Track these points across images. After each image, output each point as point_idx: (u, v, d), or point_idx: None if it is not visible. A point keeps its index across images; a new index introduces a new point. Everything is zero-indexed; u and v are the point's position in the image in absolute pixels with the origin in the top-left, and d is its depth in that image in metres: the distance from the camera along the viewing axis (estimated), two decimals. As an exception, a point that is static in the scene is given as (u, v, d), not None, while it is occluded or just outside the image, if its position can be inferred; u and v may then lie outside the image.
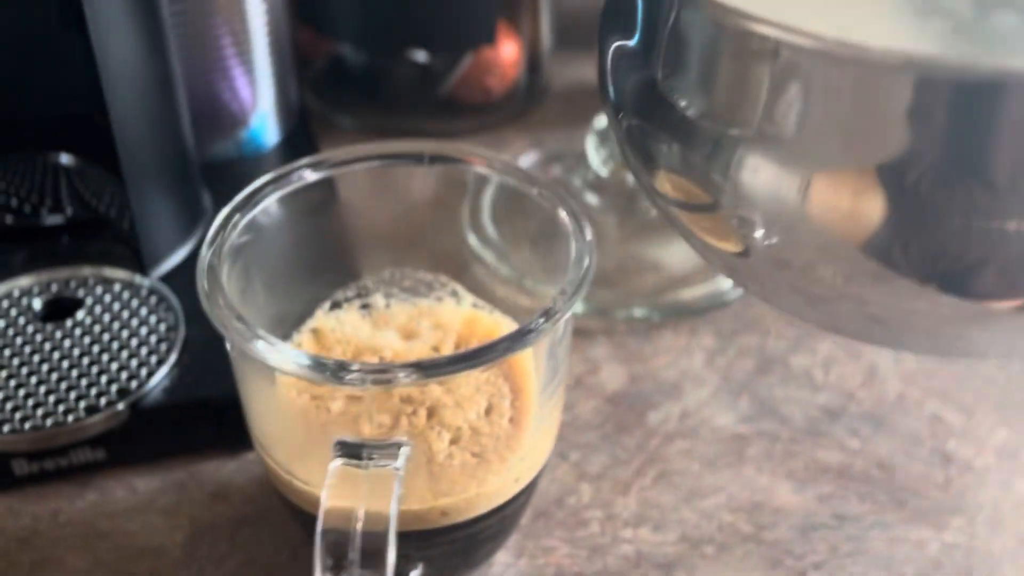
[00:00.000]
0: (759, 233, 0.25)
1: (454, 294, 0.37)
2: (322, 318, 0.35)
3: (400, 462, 0.26)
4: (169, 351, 0.40)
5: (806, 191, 0.23)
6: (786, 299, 0.28)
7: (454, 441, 0.30)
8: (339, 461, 0.27)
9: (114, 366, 0.39)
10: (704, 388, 0.43)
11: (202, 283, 0.29)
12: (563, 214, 0.31)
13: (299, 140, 0.55)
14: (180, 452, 0.39)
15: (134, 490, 0.38)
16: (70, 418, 0.37)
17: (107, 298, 0.42)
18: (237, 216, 0.31)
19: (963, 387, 0.44)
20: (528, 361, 0.33)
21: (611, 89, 0.29)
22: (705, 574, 0.36)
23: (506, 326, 0.35)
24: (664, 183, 0.27)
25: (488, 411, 0.32)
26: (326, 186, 0.33)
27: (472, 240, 0.46)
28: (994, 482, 0.40)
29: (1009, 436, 0.42)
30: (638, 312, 0.46)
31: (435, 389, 0.31)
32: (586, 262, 0.29)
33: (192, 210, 0.46)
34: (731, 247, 0.26)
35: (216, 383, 0.39)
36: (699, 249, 0.29)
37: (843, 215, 0.22)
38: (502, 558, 0.36)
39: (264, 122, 0.53)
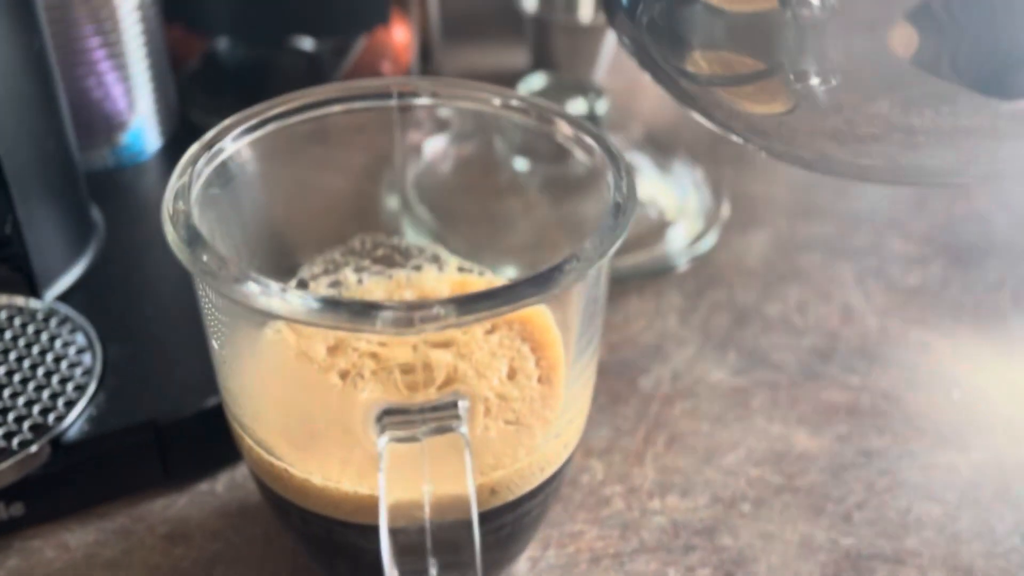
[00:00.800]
0: (816, 81, 0.23)
1: (435, 259, 0.32)
2: None
3: (463, 423, 0.22)
4: (87, 375, 0.33)
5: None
6: (817, 148, 0.26)
7: (483, 412, 0.26)
8: (387, 437, 0.21)
9: (21, 401, 0.32)
10: (687, 347, 0.40)
11: (173, 226, 0.23)
12: (596, 148, 0.27)
13: (183, 145, 0.48)
14: (116, 494, 0.33)
15: (66, 547, 0.31)
16: (-23, 467, 0.30)
17: (1, 328, 0.34)
18: (202, 160, 0.26)
19: (937, 313, 0.43)
20: (546, 315, 0.29)
21: None
22: (750, 533, 0.33)
23: (473, 281, 0.31)
24: (700, 62, 0.24)
25: (511, 375, 0.27)
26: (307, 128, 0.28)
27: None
28: (998, 396, 0.38)
29: (994, 351, 0.41)
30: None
31: (444, 356, 0.27)
32: (627, 189, 0.25)
33: (82, 225, 0.39)
34: (778, 107, 0.24)
35: (152, 404, 0.33)
36: (727, 122, 0.27)
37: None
38: (529, 553, 0.31)
39: (143, 127, 0.46)
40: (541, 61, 0.59)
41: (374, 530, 0.21)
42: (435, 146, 0.44)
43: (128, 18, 0.44)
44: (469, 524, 0.21)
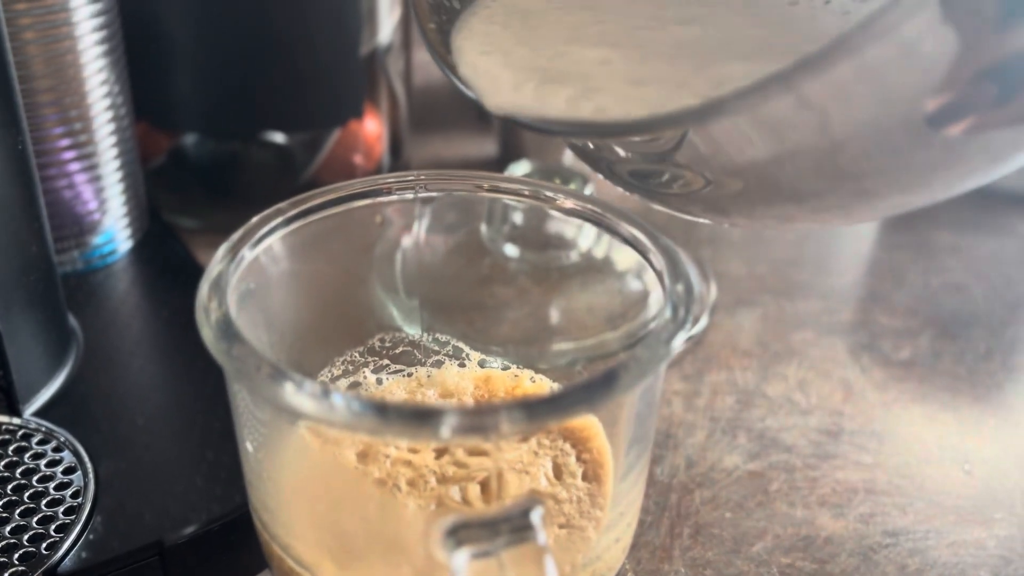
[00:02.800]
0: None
1: (455, 354, 0.31)
2: None
3: (541, 533, 0.20)
4: (78, 496, 0.31)
5: None
6: (776, 215, 0.25)
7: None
8: (466, 553, 0.20)
9: (8, 529, 0.29)
10: (697, 432, 0.39)
11: (209, 322, 0.21)
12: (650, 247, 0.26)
13: (154, 245, 0.46)
14: (116, 626, 0.30)
15: None
16: (-34, 606, 0.27)
17: (-26, 448, 0.32)
18: (239, 254, 0.24)
19: (935, 386, 0.43)
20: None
21: None
22: (792, 625, 0.31)
23: (529, 381, 0.30)
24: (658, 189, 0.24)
25: (557, 474, 0.26)
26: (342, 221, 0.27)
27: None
28: (1010, 467, 0.38)
29: (997, 421, 0.41)
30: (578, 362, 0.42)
31: (484, 462, 0.25)
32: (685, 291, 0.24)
33: (61, 334, 0.37)
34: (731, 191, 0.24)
35: (153, 523, 0.30)
36: (687, 210, 0.26)
37: None
38: (568, 662, 0.30)
39: (114, 228, 0.44)
40: (510, 150, 0.59)
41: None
42: (423, 235, 0.43)
43: (99, 118, 0.42)
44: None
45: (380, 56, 0.52)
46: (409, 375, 0.30)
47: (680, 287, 0.23)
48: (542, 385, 0.30)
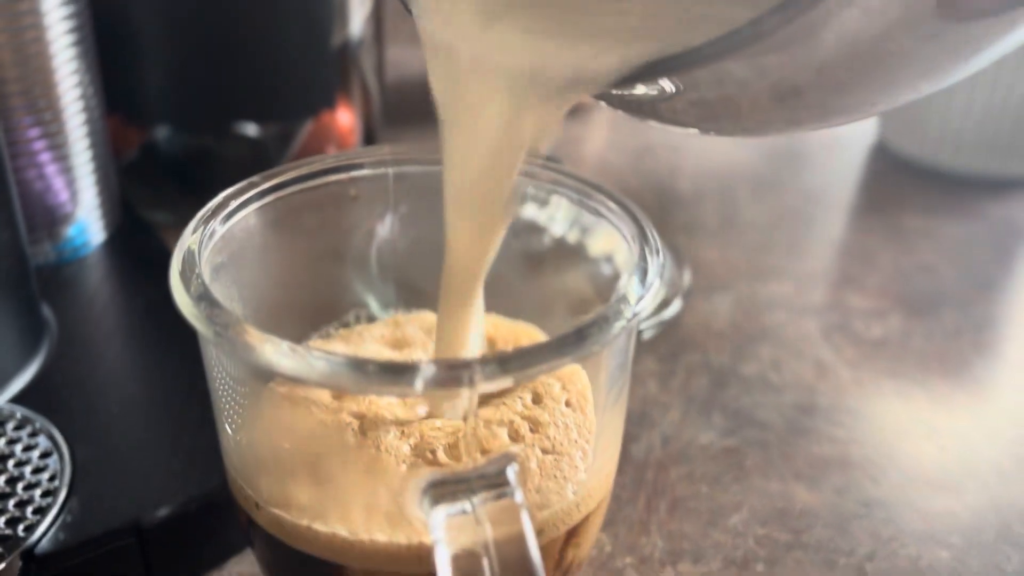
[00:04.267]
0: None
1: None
2: None
3: (517, 491, 0.20)
4: (54, 480, 0.30)
5: None
6: (759, 119, 0.24)
7: (513, 438, 0.24)
8: (442, 511, 0.20)
9: (-16, 513, 0.29)
10: (672, 411, 0.40)
11: (186, 288, 0.21)
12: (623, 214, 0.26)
13: (127, 238, 0.46)
14: (94, 608, 0.30)
15: (41, 672, 0.28)
16: (-59, 588, 0.27)
17: (-52, 434, 0.32)
18: (209, 226, 0.24)
19: (906, 363, 0.43)
20: None
21: None
22: (769, 594, 0.32)
23: (501, 322, 0.30)
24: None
25: (537, 400, 0.26)
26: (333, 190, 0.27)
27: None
28: (979, 440, 0.39)
29: (967, 397, 0.41)
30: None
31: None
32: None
33: (34, 322, 0.37)
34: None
35: (131, 505, 0.30)
36: (678, 120, 0.25)
37: None
38: (547, 633, 0.30)
39: (87, 220, 0.44)
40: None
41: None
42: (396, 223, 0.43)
43: (69, 108, 0.42)
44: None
45: (352, 49, 0.52)
46: (389, 316, 0.30)
47: (647, 249, 0.24)
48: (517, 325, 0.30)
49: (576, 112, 0.67)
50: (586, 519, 0.24)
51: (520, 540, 0.20)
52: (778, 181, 0.60)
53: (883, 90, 0.21)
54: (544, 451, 0.24)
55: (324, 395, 0.24)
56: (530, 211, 0.42)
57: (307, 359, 0.19)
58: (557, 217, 0.37)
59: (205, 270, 0.23)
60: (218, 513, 0.31)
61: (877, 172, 0.62)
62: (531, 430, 0.24)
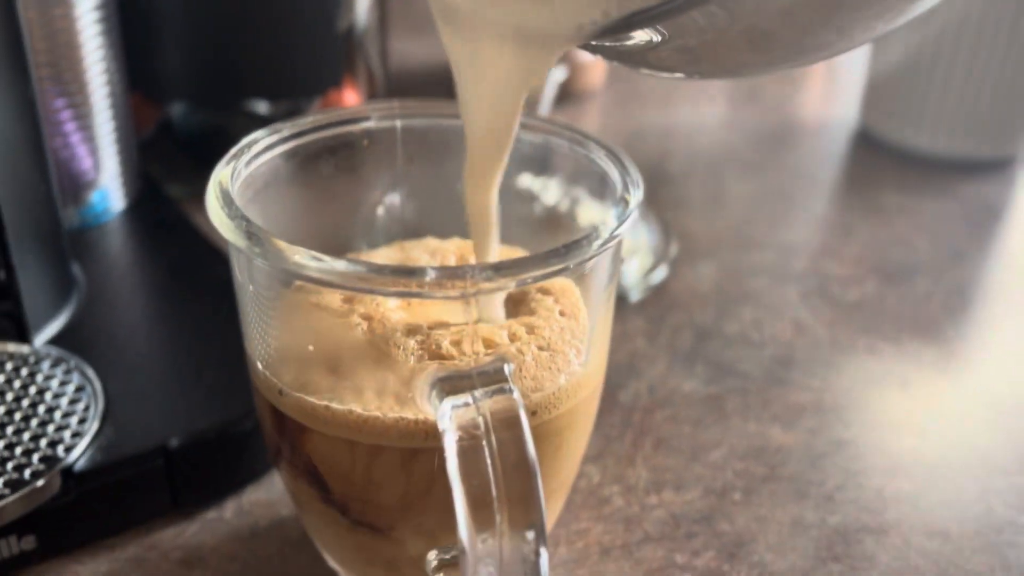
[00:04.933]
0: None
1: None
2: None
3: (513, 385, 0.23)
4: (89, 410, 0.33)
5: None
6: (736, 60, 0.26)
7: (512, 339, 0.27)
8: (448, 403, 0.23)
9: (27, 437, 0.32)
10: (658, 363, 0.43)
11: (222, 205, 0.24)
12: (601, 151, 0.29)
13: (146, 206, 0.49)
14: (126, 524, 0.33)
15: (78, 579, 0.31)
16: (-10, 498, 0.30)
17: (-11, 371, 0.34)
18: (241, 160, 0.27)
19: (879, 323, 0.46)
20: None
21: None
22: (745, 518, 0.34)
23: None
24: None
25: (531, 312, 0.28)
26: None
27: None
28: (944, 389, 0.42)
29: (935, 353, 0.44)
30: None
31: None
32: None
33: (65, 274, 0.39)
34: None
35: (158, 431, 0.33)
36: (664, 66, 0.28)
37: None
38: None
39: (108, 188, 0.47)
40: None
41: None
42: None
43: (94, 81, 0.45)
44: (531, 474, 0.22)
45: (357, 33, 0.55)
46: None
47: (628, 182, 0.27)
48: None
49: (571, 98, 0.70)
50: (578, 405, 0.27)
51: (516, 426, 0.22)
52: (764, 163, 0.63)
53: (843, 30, 0.24)
54: (540, 348, 0.26)
55: (335, 300, 0.26)
56: (526, 180, 0.45)
57: (330, 262, 0.22)
58: (550, 187, 0.40)
59: (237, 197, 0.26)
60: (237, 440, 0.34)
61: (858, 155, 0.65)
62: (527, 332, 0.27)
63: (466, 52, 0.26)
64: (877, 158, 0.64)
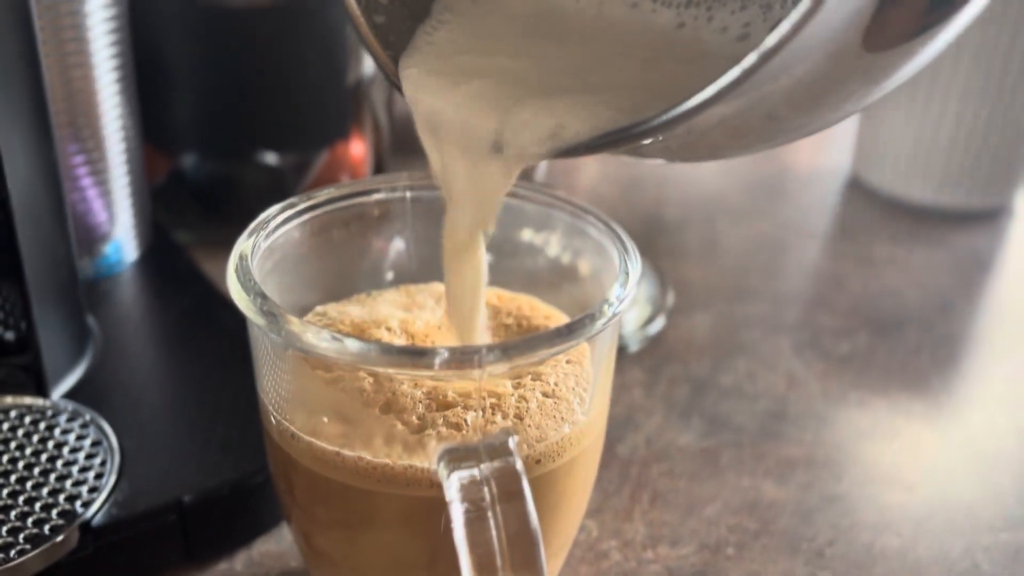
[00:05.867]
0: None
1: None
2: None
3: (517, 458, 0.24)
4: (105, 464, 0.34)
5: None
6: (710, 145, 0.27)
7: (518, 385, 0.28)
8: (455, 476, 0.24)
9: (46, 491, 0.33)
10: (655, 416, 0.44)
11: (242, 283, 0.26)
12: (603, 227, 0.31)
13: (158, 256, 0.51)
14: (140, 578, 0.34)
15: (94, 631, 0.32)
16: (12, 553, 0.31)
17: (15, 426, 0.36)
18: (258, 235, 0.28)
19: (870, 376, 0.47)
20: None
21: None
22: (738, 573, 0.36)
23: (503, 293, 0.34)
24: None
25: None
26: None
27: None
28: (932, 443, 0.43)
29: (923, 406, 0.46)
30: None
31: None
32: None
33: (82, 328, 0.41)
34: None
35: (173, 486, 0.34)
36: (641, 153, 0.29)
37: None
38: (541, 603, 0.34)
39: (122, 239, 0.49)
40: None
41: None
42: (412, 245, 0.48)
43: (111, 137, 0.47)
44: (534, 543, 0.23)
45: (365, 86, 0.57)
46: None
47: (628, 260, 0.28)
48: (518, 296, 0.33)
49: (571, 145, 0.72)
50: (581, 455, 0.28)
51: (519, 498, 0.24)
52: (757, 211, 0.65)
53: (817, 119, 0.25)
54: (544, 395, 0.28)
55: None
56: (528, 234, 0.46)
57: (342, 343, 0.24)
58: (552, 241, 0.42)
59: (255, 271, 0.27)
60: (250, 493, 0.35)
61: (850, 203, 0.67)
62: (533, 378, 0.28)
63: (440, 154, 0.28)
64: (868, 207, 0.66)
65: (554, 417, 0.28)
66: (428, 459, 0.25)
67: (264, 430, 0.29)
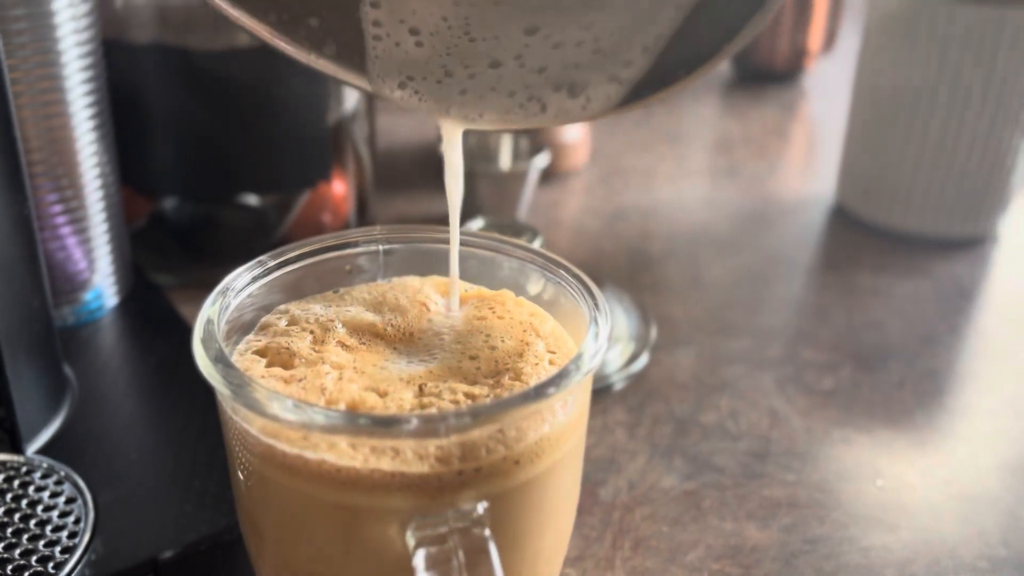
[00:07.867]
0: None
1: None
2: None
3: (485, 527, 0.24)
4: (79, 523, 0.34)
5: None
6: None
7: (497, 384, 0.28)
8: (423, 551, 0.24)
9: (18, 552, 0.33)
10: (638, 458, 0.44)
11: (206, 353, 0.25)
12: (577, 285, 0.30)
13: (138, 301, 0.50)
14: (115, 638, 0.33)
15: None
16: (-17, 620, 0.30)
17: (-18, 483, 0.35)
18: (227, 298, 0.28)
19: (853, 412, 0.47)
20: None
21: None
22: (720, 621, 0.35)
23: (484, 291, 0.33)
24: None
25: (520, 353, 0.29)
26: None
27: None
28: (916, 481, 0.43)
29: (907, 442, 0.45)
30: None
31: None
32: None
33: (58, 381, 0.41)
34: None
35: (148, 544, 0.34)
36: None
37: None
38: (521, 658, 0.33)
39: (102, 286, 0.48)
40: (468, 207, 0.64)
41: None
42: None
43: (89, 185, 0.46)
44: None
45: (346, 123, 0.57)
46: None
47: (599, 316, 0.28)
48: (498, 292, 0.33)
49: (554, 178, 0.72)
50: (561, 460, 0.27)
51: (488, 566, 0.23)
52: (741, 242, 0.65)
53: None
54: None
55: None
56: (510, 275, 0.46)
57: (307, 412, 0.23)
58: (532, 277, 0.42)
59: (221, 336, 0.27)
60: (226, 550, 0.34)
61: (834, 233, 0.67)
62: (512, 378, 0.27)
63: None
64: (852, 236, 0.66)
65: (532, 418, 0.27)
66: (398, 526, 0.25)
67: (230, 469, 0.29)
